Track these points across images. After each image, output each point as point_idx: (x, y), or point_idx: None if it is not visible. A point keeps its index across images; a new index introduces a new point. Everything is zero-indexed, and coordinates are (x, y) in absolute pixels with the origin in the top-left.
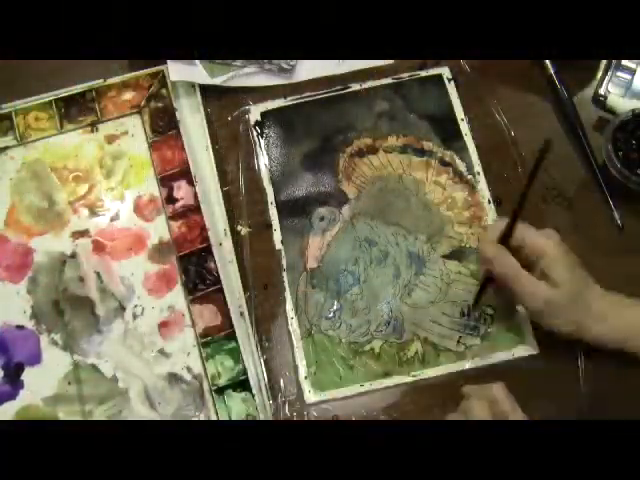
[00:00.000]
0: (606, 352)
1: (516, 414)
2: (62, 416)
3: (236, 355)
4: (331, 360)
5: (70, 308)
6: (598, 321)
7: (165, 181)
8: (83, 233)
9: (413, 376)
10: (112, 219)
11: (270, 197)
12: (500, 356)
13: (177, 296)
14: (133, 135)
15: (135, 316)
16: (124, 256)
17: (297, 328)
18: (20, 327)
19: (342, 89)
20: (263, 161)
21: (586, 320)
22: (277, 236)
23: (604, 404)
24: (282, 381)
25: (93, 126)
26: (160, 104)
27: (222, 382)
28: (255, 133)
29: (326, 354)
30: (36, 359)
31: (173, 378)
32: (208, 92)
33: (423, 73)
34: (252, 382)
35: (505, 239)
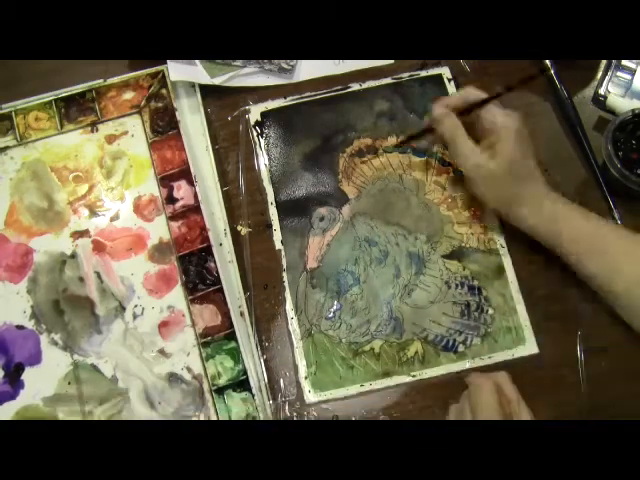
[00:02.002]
0: (606, 353)
1: (520, 403)
2: (62, 416)
3: (236, 355)
4: (331, 360)
5: (70, 308)
6: (532, 205)
7: (165, 181)
8: (83, 233)
9: (413, 376)
10: (112, 219)
11: (270, 197)
12: (500, 356)
13: (177, 296)
14: (133, 135)
15: (135, 316)
16: (124, 256)
17: (297, 328)
18: (20, 327)
19: (342, 89)
20: (263, 161)
21: (519, 199)
22: (277, 236)
23: (604, 404)
24: (282, 381)
25: (93, 126)
26: (160, 104)
27: (222, 382)
28: (255, 133)
29: (326, 354)
30: (36, 359)
31: (173, 378)
32: (208, 92)
33: (423, 73)
34: (252, 382)
35: (463, 112)
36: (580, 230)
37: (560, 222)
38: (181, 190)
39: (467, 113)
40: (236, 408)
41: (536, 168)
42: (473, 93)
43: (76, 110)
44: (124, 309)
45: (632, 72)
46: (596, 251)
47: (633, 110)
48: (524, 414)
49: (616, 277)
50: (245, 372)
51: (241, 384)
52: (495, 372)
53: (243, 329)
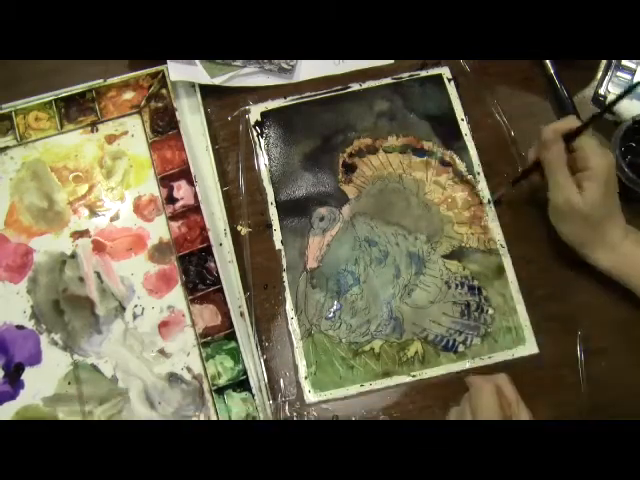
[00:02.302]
0: (606, 352)
1: (520, 405)
2: (62, 416)
3: (236, 355)
4: (331, 360)
5: (70, 308)
6: (606, 248)
7: (165, 181)
8: (83, 233)
9: (413, 376)
10: (112, 219)
11: (270, 197)
12: (500, 356)
13: (177, 296)
14: (133, 135)
15: (135, 316)
16: (124, 256)
17: (297, 328)
18: (20, 327)
19: (342, 89)
20: (263, 161)
21: (594, 242)
22: (277, 236)
23: (604, 404)
24: (282, 381)
25: (93, 126)
26: (160, 104)
27: (222, 382)
28: (255, 133)
29: (326, 354)
30: (36, 359)
31: (173, 378)
32: (208, 92)
33: (423, 73)
34: (252, 382)
35: (568, 138)
36: None
37: (631, 266)
38: (181, 190)
39: (568, 141)
40: (236, 408)
41: (618, 210)
42: (575, 122)
43: (76, 110)
44: (124, 309)
45: (632, 72)
46: None
47: (633, 117)
48: (523, 415)
49: None
50: (245, 372)
51: (241, 384)
52: (495, 374)
53: (243, 329)
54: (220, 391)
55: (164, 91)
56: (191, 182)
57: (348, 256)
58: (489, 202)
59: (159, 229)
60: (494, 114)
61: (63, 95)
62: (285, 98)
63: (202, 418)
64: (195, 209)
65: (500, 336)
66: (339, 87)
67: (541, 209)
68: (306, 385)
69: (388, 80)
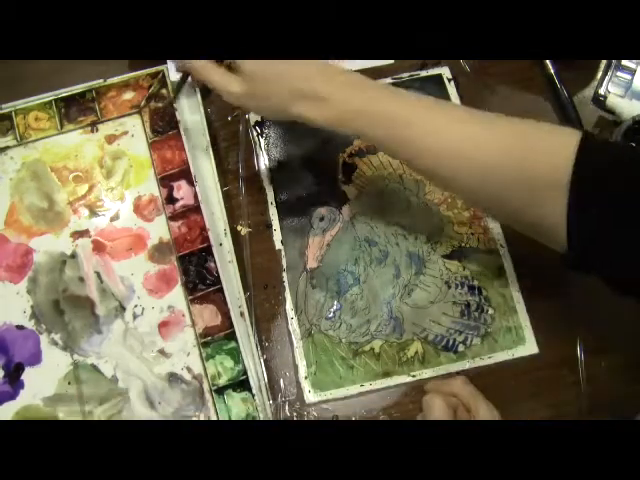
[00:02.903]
0: (606, 352)
1: (479, 410)
2: (62, 416)
3: (236, 355)
4: (331, 360)
5: (70, 308)
6: (308, 105)
7: (165, 181)
8: (83, 233)
9: (413, 376)
10: (112, 219)
11: (270, 197)
12: (500, 356)
13: (177, 296)
14: (133, 135)
15: (135, 316)
16: (124, 256)
17: (297, 328)
18: (20, 327)
19: None
20: (263, 161)
21: (290, 106)
22: (277, 236)
23: (604, 404)
24: (282, 381)
25: (93, 126)
26: (160, 104)
27: (222, 382)
28: (255, 133)
29: (326, 354)
30: (36, 359)
31: (173, 378)
32: (208, 92)
33: (423, 73)
34: (252, 382)
35: None
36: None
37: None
38: (181, 190)
39: None
40: (236, 408)
41: (306, 65)
42: None
43: (76, 110)
44: (124, 309)
45: (632, 72)
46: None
47: (633, 117)
48: (485, 417)
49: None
50: (245, 372)
51: (241, 384)
52: (450, 379)
53: (243, 329)
54: (220, 391)
55: (164, 91)
56: (191, 182)
57: (348, 256)
58: None
59: (159, 229)
60: None
61: (63, 95)
62: None
63: (202, 418)
64: (195, 209)
65: (500, 336)
66: None
67: None
68: (306, 385)
69: (388, 80)
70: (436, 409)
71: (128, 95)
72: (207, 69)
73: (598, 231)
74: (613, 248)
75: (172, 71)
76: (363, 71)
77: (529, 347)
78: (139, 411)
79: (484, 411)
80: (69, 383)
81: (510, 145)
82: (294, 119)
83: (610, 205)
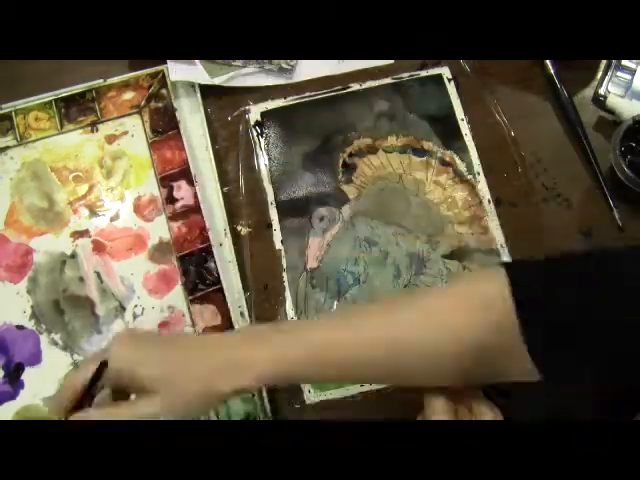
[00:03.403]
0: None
1: (480, 409)
2: None
3: None
4: None
5: (70, 308)
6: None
7: (165, 181)
8: (83, 233)
9: None
10: (112, 219)
11: (270, 197)
12: None
13: (177, 296)
14: (133, 135)
15: (135, 316)
16: (124, 256)
17: None
18: (20, 327)
19: (342, 89)
20: (263, 161)
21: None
22: (277, 236)
23: (604, 404)
24: None
25: (93, 126)
26: (160, 104)
27: None
28: (255, 133)
29: None
30: (36, 359)
31: None
32: (208, 92)
33: (423, 73)
34: None
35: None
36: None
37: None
38: (181, 190)
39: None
40: (236, 408)
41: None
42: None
43: (76, 110)
44: (124, 309)
45: (632, 72)
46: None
47: (633, 117)
48: (487, 416)
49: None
50: None
51: None
52: (429, 401)
53: None
54: None
55: (164, 91)
56: (191, 182)
57: (348, 256)
58: (489, 202)
59: (159, 229)
60: (494, 114)
61: (63, 95)
62: (285, 98)
63: (202, 418)
64: (195, 209)
65: None
66: (339, 87)
67: (541, 209)
68: (306, 385)
69: (388, 80)
70: (437, 407)
71: (128, 95)
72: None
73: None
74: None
75: (172, 71)
76: (363, 71)
77: None
78: None
79: (485, 410)
80: None
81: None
82: (225, 397)
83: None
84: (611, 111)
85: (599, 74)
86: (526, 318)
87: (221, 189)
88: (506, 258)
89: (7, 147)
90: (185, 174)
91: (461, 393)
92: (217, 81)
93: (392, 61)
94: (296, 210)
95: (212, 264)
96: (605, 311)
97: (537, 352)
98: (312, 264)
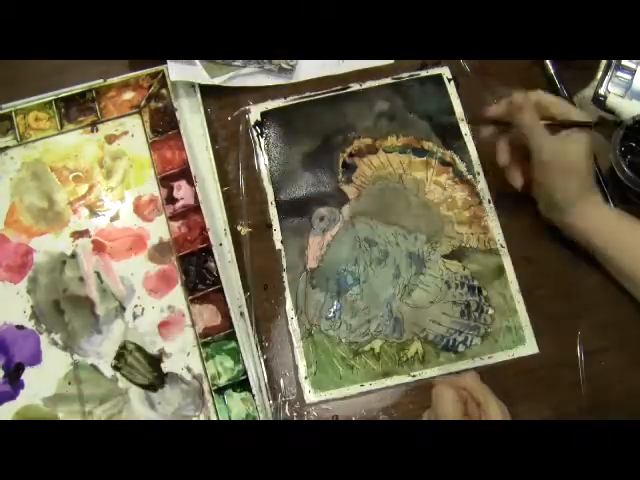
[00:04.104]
0: (606, 352)
1: (489, 406)
2: (62, 416)
3: (236, 355)
4: (331, 360)
5: (70, 308)
6: (590, 206)
7: (165, 181)
8: (83, 233)
9: (413, 376)
10: (112, 219)
11: (270, 197)
12: (500, 356)
13: (177, 296)
14: (133, 135)
15: (135, 316)
16: (124, 256)
17: (297, 328)
18: (20, 327)
19: (342, 89)
20: (263, 161)
21: (581, 197)
22: (277, 236)
23: (604, 404)
24: (282, 381)
25: (93, 126)
26: (160, 104)
27: (222, 382)
28: (255, 133)
29: (326, 354)
30: (36, 359)
31: (173, 378)
32: (208, 92)
33: (423, 73)
34: (252, 382)
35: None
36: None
37: (610, 232)
38: (181, 190)
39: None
40: (236, 408)
41: (592, 178)
42: (548, 97)
43: (76, 110)
44: (124, 309)
45: (632, 72)
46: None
47: (633, 117)
48: (493, 414)
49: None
50: (245, 372)
51: (241, 384)
52: (462, 374)
53: (243, 329)
54: (220, 391)
55: (164, 91)
56: (191, 182)
57: (348, 256)
58: (489, 202)
59: (159, 229)
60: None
61: (63, 95)
62: (285, 98)
63: (202, 418)
64: (195, 209)
65: (500, 336)
66: (339, 87)
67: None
68: (306, 385)
69: (388, 80)
70: (446, 400)
71: (128, 95)
72: (538, 126)
73: None
74: None
75: (172, 71)
76: (363, 71)
77: (529, 347)
78: (139, 411)
79: (494, 406)
80: (69, 383)
81: None
82: (559, 223)
83: None
84: (611, 111)
85: (599, 74)
86: None
87: (221, 189)
88: (506, 258)
89: (7, 147)
90: (185, 174)
91: (470, 388)
92: (217, 81)
93: (392, 61)
94: (296, 210)
95: (212, 264)
96: None
97: None
98: (312, 264)
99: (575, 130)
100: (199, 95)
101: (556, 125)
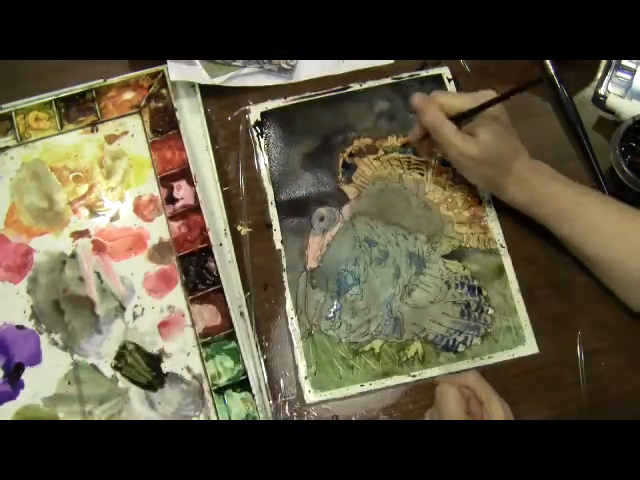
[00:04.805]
0: (606, 352)
1: (491, 404)
2: (62, 416)
3: (236, 355)
4: (331, 360)
5: (70, 308)
6: (517, 184)
7: (165, 181)
8: (83, 233)
9: (413, 376)
10: (112, 219)
11: (270, 197)
12: (500, 356)
13: (177, 296)
14: (133, 135)
15: (135, 316)
16: (124, 256)
17: (297, 328)
18: (20, 327)
19: (342, 89)
20: (263, 161)
21: (504, 181)
22: (277, 236)
23: (604, 404)
24: (282, 381)
25: (93, 126)
26: (160, 104)
27: (222, 382)
28: (255, 133)
29: (326, 354)
30: (36, 359)
31: (173, 378)
32: (208, 92)
33: (423, 73)
34: (252, 382)
35: (457, 119)
36: (559, 198)
37: (541, 194)
38: (181, 190)
39: (458, 122)
40: (236, 408)
41: (520, 147)
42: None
43: (76, 110)
44: (124, 309)
45: (632, 72)
46: (572, 217)
47: (633, 117)
48: (496, 414)
49: (592, 238)
50: (245, 372)
51: (241, 384)
52: (464, 373)
53: (243, 329)
54: (220, 391)
55: (164, 91)
56: (191, 182)
57: (348, 256)
58: (489, 202)
59: (159, 229)
60: None
61: (63, 95)
62: (285, 98)
63: (202, 418)
64: (195, 209)
65: (500, 336)
66: (339, 87)
67: None
68: (306, 385)
69: (388, 80)
70: (449, 398)
71: (128, 95)
72: (447, 132)
73: None
74: None
75: (172, 71)
76: (363, 71)
77: (529, 347)
78: (139, 411)
79: (496, 404)
80: (69, 383)
81: None
82: (500, 195)
83: None
84: (611, 111)
85: (599, 74)
86: None
87: (221, 189)
88: (506, 258)
89: (7, 147)
90: (185, 174)
91: (473, 386)
92: (217, 81)
93: (392, 61)
94: (296, 210)
95: (212, 264)
96: None
97: None
98: (312, 264)
99: (475, 120)
100: (199, 95)
101: (467, 115)
